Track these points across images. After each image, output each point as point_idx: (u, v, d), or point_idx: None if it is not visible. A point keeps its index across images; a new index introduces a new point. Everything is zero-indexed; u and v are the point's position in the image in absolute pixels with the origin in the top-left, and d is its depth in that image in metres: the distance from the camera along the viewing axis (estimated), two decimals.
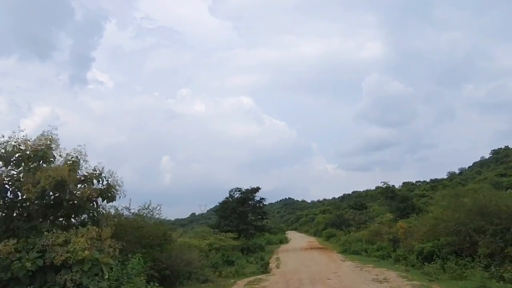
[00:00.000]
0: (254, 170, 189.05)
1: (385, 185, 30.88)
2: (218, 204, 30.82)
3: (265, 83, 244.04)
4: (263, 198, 30.49)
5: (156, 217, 12.96)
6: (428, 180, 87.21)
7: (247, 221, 28.95)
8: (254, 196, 30.44)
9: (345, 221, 49.06)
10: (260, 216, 30.73)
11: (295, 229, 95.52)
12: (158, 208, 12.75)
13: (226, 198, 30.37)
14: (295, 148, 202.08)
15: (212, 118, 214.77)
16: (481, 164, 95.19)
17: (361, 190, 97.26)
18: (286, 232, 77.18)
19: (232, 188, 30.30)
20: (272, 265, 18.22)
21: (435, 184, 75.12)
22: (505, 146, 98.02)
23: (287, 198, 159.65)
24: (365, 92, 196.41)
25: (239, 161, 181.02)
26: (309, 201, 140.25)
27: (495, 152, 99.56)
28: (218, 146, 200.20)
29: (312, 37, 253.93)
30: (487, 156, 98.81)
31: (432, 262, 13.43)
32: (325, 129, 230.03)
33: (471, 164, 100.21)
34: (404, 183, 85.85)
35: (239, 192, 30.13)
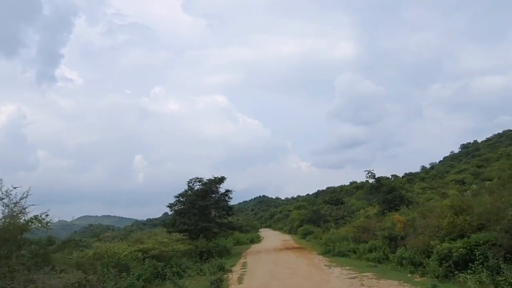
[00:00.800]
0: (229, 169, 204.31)
1: (370, 174, 26.62)
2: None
3: (239, 82, 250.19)
4: (229, 190, 25.19)
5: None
6: (402, 174, 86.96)
7: (209, 218, 23.59)
8: (218, 188, 25.14)
9: (321, 217, 45.23)
10: (225, 212, 25.39)
11: (269, 226, 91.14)
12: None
13: (185, 190, 24.82)
14: (269, 146, 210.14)
15: (186, 116, 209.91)
16: (452, 158, 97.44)
17: (336, 186, 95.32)
18: (260, 230, 72.45)
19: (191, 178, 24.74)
20: (233, 276, 13.13)
21: (411, 177, 73.73)
22: (474, 141, 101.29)
23: (262, 196, 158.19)
24: (338, 91, 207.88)
25: (214, 160, 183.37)
26: (283, 198, 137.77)
27: (464, 147, 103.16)
28: (193, 145, 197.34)
29: (287, 37, 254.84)
30: (456, 150, 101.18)
31: (468, 269, 8.88)
32: (299, 128, 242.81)
33: (441, 159, 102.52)
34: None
35: (199, 183, 24.68)
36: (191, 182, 24.55)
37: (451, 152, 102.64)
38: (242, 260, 19.86)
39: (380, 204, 24.55)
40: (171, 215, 30.20)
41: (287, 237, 44.41)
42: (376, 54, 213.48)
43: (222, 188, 25.01)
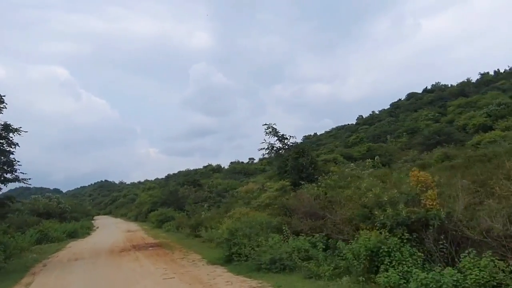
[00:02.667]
0: (68, 151, 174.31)
1: (271, 129, 17.94)
2: None
3: (85, 55, 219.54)
4: (8, 124, 11.65)
5: None
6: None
7: None
8: None
9: (181, 199, 35.39)
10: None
11: (110, 213, 74.24)
12: None
13: None
14: (117, 129, 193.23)
15: (15, 86, 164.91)
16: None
17: (191, 169, 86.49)
18: (95, 218, 56.05)
19: None
20: None
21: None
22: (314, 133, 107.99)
23: (103, 180, 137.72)
24: (192, 79, 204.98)
25: (49, 140, 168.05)
26: (128, 182, 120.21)
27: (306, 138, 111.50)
28: (23, 121, 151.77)
29: (144, 15, 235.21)
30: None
31: None
32: (150, 112, 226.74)
33: None
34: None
35: None
36: None
37: None
38: None
39: (290, 174, 16.27)
40: None
41: (134, 226, 32.18)
42: (230, 49, 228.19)
43: None
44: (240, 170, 64.27)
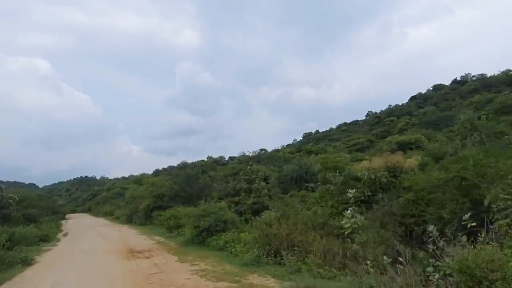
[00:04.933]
0: (47, 146, 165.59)
1: None
2: None
3: (68, 49, 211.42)
4: None
5: None
6: None
7: None
8: None
9: (205, 190, 22.34)
10: None
11: (89, 210, 58.73)
12: None
13: None
14: (99, 125, 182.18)
15: None
16: None
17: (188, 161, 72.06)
18: (68, 217, 40.95)
19: None
20: None
21: None
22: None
23: (84, 176, 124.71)
24: (178, 78, 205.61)
25: (27, 134, 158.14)
26: (111, 178, 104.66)
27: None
28: (0, 114, 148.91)
29: (130, 10, 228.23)
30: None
31: None
32: (134, 110, 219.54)
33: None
34: None
35: None
36: None
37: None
38: None
39: None
40: None
41: (133, 235, 17.65)
42: (217, 49, 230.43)
43: None
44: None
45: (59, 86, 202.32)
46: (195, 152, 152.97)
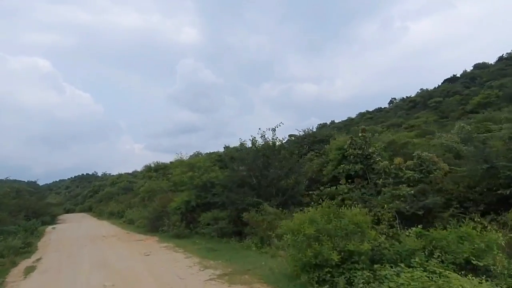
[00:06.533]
0: (50, 145, 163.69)
1: None
2: None
3: (69, 47, 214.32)
4: None
5: None
6: None
7: None
8: None
9: (275, 183, 11.75)
10: None
11: (90, 209, 48.53)
12: None
13: None
14: (100, 124, 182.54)
15: None
16: None
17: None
18: (60, 219, 30.86)
19: None
20: None
21: None
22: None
23: (85, 174, 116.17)
24: (179, 75, 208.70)
25: (30, 133, 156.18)
26: (114, 174, 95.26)
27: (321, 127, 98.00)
28: (2, 113, 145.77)
29: (130, 8, 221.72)
30: None
31: None
32: (135, 107, 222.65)
33: None
34: None
35: None
36: None
37: None
38: None
39: None
40: None
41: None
42: (219, 46, 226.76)
43: None
44: None
45: (60, 84, 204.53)
46: (198, 149, 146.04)
